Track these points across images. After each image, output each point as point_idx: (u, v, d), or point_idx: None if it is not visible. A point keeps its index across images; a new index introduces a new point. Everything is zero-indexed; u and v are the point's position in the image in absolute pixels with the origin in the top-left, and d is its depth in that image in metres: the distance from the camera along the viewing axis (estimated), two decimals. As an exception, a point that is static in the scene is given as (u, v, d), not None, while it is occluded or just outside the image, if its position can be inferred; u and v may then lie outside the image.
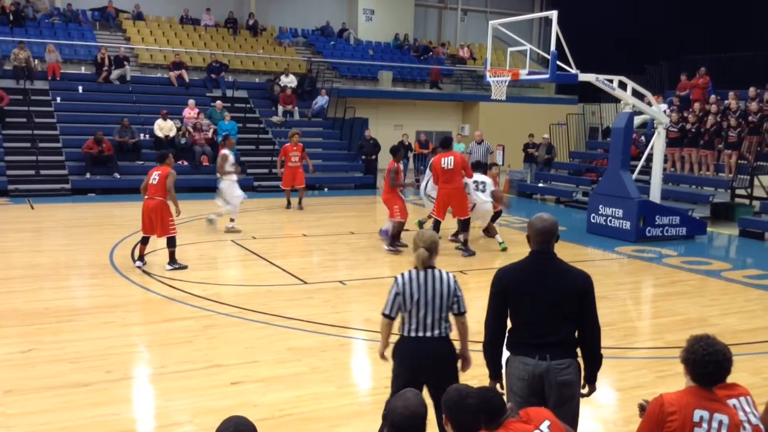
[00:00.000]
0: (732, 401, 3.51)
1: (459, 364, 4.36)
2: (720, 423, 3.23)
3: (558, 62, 12.51)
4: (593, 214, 13.93)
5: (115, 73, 21.65)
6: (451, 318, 4.27)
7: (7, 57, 20.86)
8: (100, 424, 5.10)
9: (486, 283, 4.02)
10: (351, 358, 6.89)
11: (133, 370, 6.33)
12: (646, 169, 15.01)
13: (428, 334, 4.16)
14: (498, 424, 3.16)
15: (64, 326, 7.33)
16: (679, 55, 22.18)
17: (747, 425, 3.48)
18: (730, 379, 3.61)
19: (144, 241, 9.99)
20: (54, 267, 10.09)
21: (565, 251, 11.76)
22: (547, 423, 3.24)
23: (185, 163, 19.13)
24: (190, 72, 23.22)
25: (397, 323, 4.34)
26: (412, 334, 4.19)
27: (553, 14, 12.40)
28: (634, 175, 14.20)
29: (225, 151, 13.11)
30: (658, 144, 14.04)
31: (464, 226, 11.46)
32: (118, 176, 18.33)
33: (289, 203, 16.14)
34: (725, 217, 15.77)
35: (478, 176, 11.61)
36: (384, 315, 4.28)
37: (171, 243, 9.82)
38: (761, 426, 3.51)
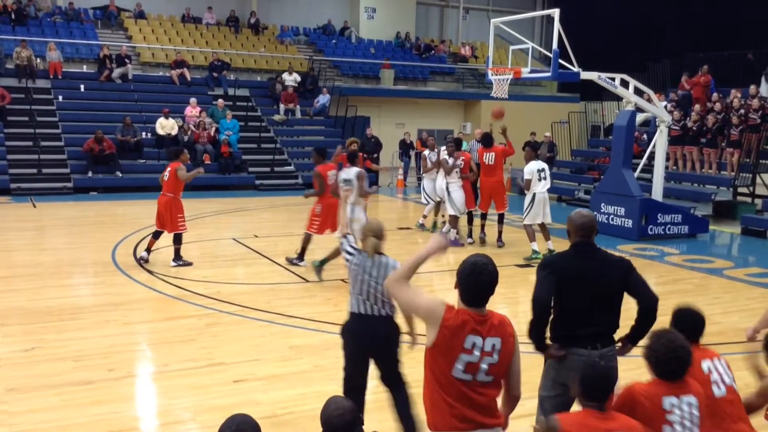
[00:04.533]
0: (706, 363, 3.64)
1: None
2: (690, 405, 3.32)
3: (560, 60, 12.51)
4: (595, 213, 13.88)
5: (117, 72, 21.66)
6: None
7: (9, 56, 20.88)
8: (102, 422, 5.10)
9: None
10: (353, 357, 6.89)
11: (135, 368, 6.34)
12: (648, 168, 15.00)
13: (375, 314, 4.47)
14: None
15: (67, 324, 7.35)
16: (681, 53, 22.15)
17: (721, 385, 3.62)
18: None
19: (155, 235, 10.07)
20: (56, 265, 10.09)
21: (567, 249, 11.74)
22: None
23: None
24: (191, 70, 23.24)
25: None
26: (361, 311, 4.50)
27: (555, 12, 12.39)
28: (636, 174, 14.20)
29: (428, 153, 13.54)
30: (660, 142, 14.02)
31: (501, 218, 12.24)
32: (120, 175, 18.35)
33: None
34: (727, 216, 15.76)
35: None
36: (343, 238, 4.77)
37: (177, 240, 9.86)
38: (735, 386, 3.66)
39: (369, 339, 4.50)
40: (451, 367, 3.08)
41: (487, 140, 12.27)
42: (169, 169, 9.92)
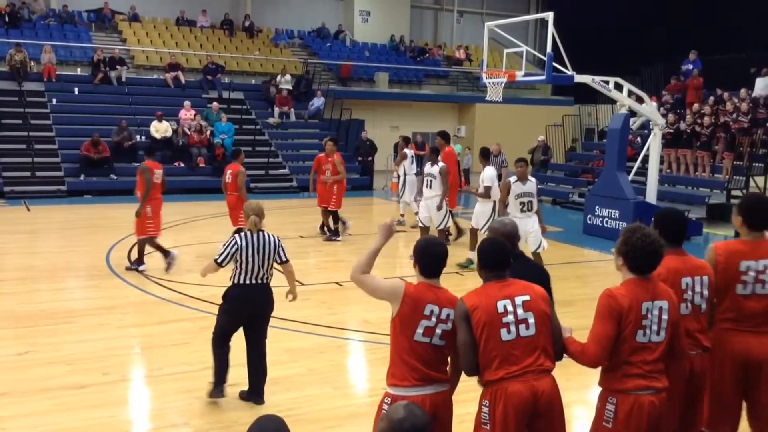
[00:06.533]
0: (686, 280, 3.81)
1: (289, 298, 5.86)
2: (660, 309, 3.49)
3: (554, 64, 12.53)
4: (589, 215, 13.94)
5: (111, 75, 21.60)
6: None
7: (3, 58, 20.81)
8: (96, 426, 5.09)
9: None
10: (347, 360, 6.90)
11: (129, 372, 6.33)
12: (642, 170, 15.05)
13: (258, 281, 5.44)
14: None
15: (60, 328, 7.32)
16: (675, 57, 22.23)
17: (689, 304, 3.80)
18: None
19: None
20: (50, 269, 10.06)
21: (562, 252, 11.78)
22: (524, 298, 3.50)
23: (182, 164, 19.12)
24: (186, 73, 23.19)
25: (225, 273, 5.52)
26: (246, 281, 5.39)
27: (549, 16, 12.42)
28: (630, 176, 14.23)
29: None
30: (654, 145, 14.06)
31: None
32: (115, 178, 18.30)
33: (322, 226, 13.11)
34: (721, 218, 15.78)
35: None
36: (217, 263, 5.40)
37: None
38: (703, 304, 3.85)
39: (256, 302, 5.48)
40: (413, 332, 3.51)
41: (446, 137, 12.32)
42: (230, 171, 10.75)
